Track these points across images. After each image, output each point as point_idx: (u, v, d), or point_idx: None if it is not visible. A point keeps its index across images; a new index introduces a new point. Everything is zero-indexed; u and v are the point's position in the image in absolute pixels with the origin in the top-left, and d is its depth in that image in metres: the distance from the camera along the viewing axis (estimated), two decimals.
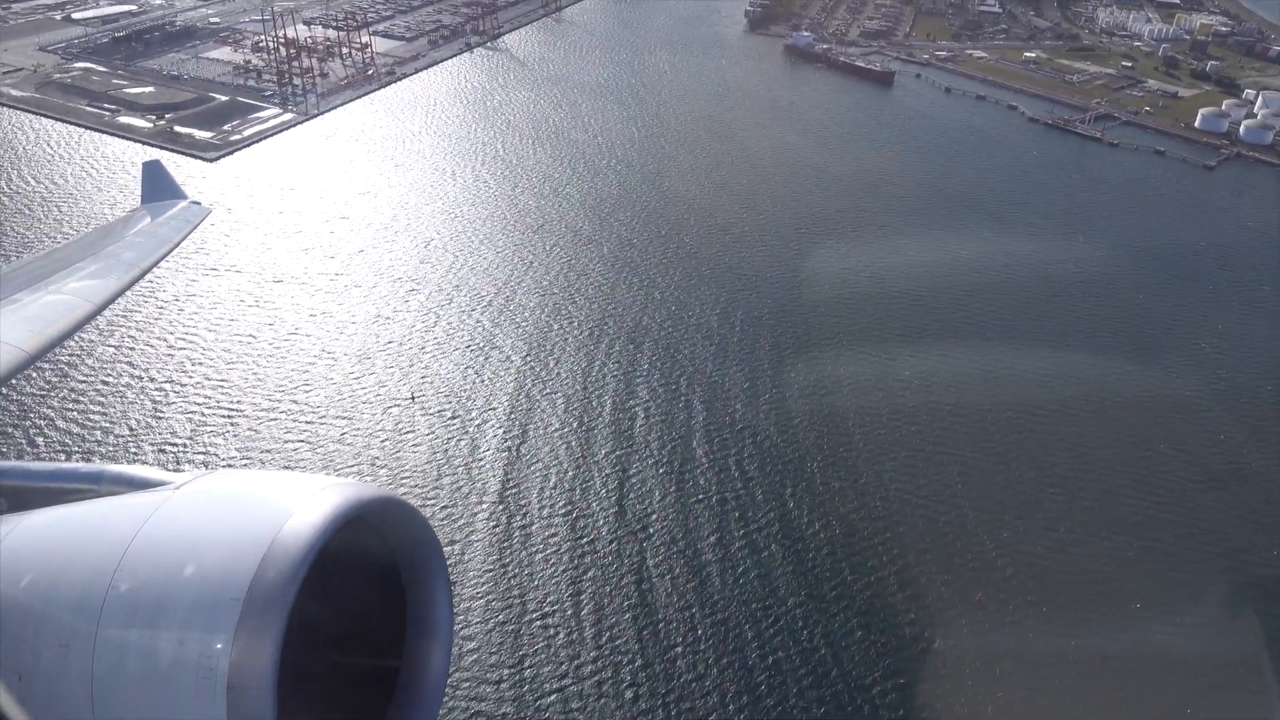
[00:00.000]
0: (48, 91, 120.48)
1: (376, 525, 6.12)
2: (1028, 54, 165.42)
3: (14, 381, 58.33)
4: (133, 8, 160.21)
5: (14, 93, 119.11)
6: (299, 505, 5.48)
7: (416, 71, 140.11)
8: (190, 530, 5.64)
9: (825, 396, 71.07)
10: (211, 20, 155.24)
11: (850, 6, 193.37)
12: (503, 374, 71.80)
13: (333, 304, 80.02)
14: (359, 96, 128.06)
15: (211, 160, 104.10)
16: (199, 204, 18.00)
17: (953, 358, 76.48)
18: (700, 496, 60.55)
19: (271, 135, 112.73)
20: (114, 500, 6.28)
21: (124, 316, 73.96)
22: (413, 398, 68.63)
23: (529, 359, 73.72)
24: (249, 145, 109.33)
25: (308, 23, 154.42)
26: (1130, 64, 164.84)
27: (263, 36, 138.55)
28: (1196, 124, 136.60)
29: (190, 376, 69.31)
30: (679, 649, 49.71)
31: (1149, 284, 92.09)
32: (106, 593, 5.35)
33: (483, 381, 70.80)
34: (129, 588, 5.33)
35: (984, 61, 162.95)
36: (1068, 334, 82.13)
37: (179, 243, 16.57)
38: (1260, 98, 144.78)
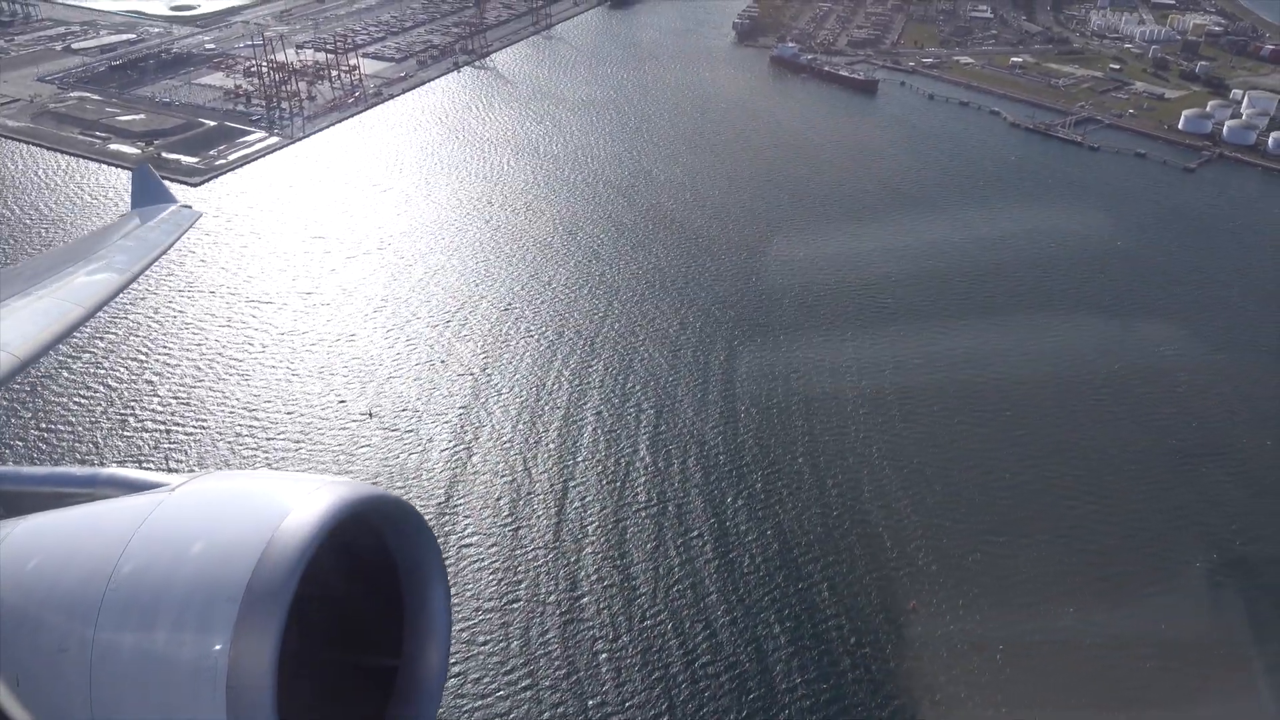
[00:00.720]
0: (42, 121, 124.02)
1: (373, 524, 6.12)
2: (1015, 59, 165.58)
3: None
4: (131, 36, 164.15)
5: (10, 123, 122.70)
6: (295, 504, 5.48)
7: (403, 92, 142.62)
8: (186, 531, 5.64)
9: (774, 403, 72.02)
10: (207, 47, 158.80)
11: (840, 16, 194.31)
12: (460, 388, 73.34)
13: (301, 323, 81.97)
14: (345, 119, 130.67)
15: (195, 185, 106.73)
16: (189, 208, 18.26)
17: (905, 369, 77.18)
18: (641, 504, 61.67)
19: (256, 159, 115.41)
20: (110, 503, 6.26)
21: (96, 337, 76.23)
22: (370, 414, 70.32)
23: (488, 371, 75.26)
24: (233, 169, 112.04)
25: (300, 47, 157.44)
26: (1118, 66, 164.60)
27: (253, 61, 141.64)
28: (1180, 126, 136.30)
29: (157, 395, 71.37)
30: (603, 656, 50.83)
31: (1115, 287, 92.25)
32: (104, 595, 5.33)
33: (439, 396, 72.38)
34: (126, 589, 5.33)
35: (970, 68, 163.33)
36: (1027, 337, 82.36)
37: (169, 246, 16.69)
38: (1246, 98, 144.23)
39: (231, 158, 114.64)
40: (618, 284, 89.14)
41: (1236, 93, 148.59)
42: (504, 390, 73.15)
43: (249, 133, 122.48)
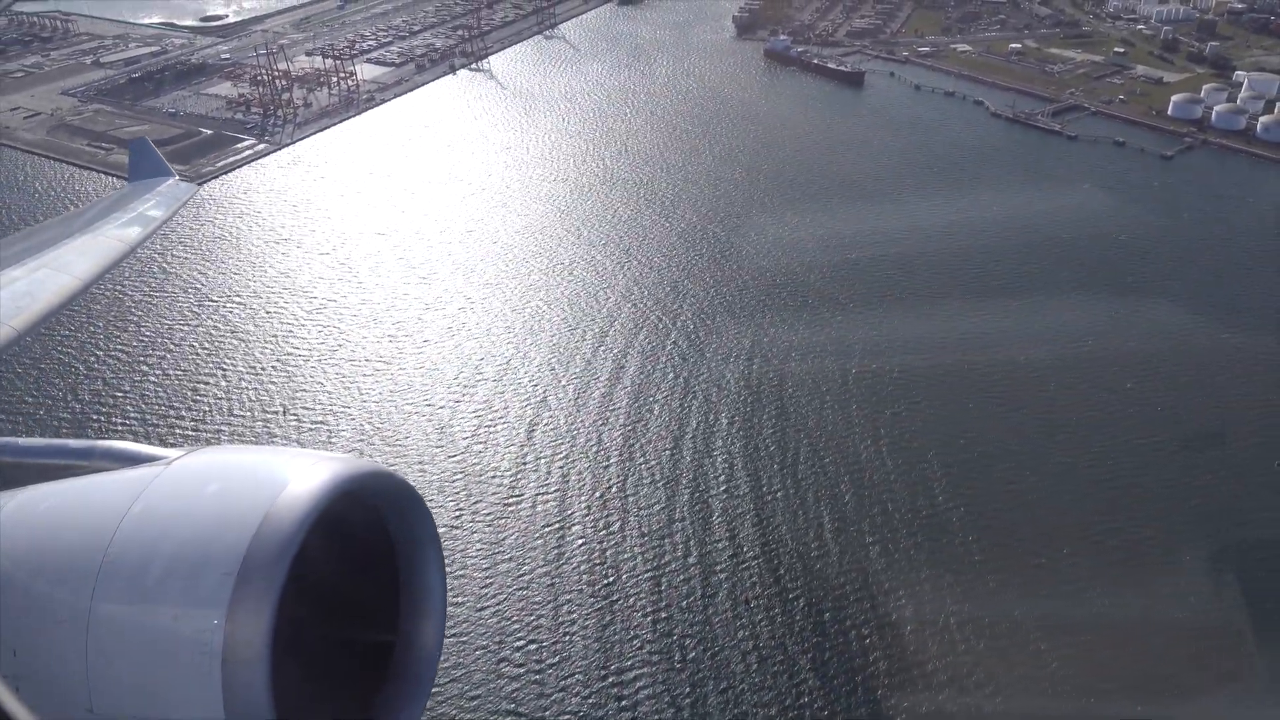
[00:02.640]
0: (57, 134, 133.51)
1: (370, 500, 6.13)
2: (1014, 45, 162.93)
3: None
4: (156, 49, 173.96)
5: (28, 136, 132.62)
6: (293, 479, 5.50)
7: (396, 97, 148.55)
8: (183, 505, 5.67)
9: (678, 412, 74.73)
10: (223, 57, 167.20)
11: (848, 6, 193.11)
12: (376, 387, 78.02)
13: (248, 322, 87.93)
14: (334, 124, 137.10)
15: None
16: (186, 182, 19.11)
17: (823, 375, 79.07)
18: (505, 493, 65.48)
19: (241, 165, 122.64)
20: (107, 476, 6.31)
21: (42, 340, 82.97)
22: (284, 410, 75.75)
23: (402, 367, 79.97)
24: (217, 175, 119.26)
25: (309, 54, 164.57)
26: (1122, 50, 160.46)
27: (258, 70, 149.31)
28: (1169, 111, 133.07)
29: (97, 393, 78.01)
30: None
31: (1043, 276, 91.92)
32: (100, 568, 5.34)
33: (353, 394, 77.38)
34: (123, 563, 5.34)
35: (967, 55, 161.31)
36: (940, 332, 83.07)
37: (166, 220, 16.98)
38: (1245, 81, 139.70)
39: (219, 164, 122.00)
40: (549, 281, 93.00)
41: (1240, 75, 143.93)
42: (412, 386, 77.78)
43: (241, 140, 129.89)
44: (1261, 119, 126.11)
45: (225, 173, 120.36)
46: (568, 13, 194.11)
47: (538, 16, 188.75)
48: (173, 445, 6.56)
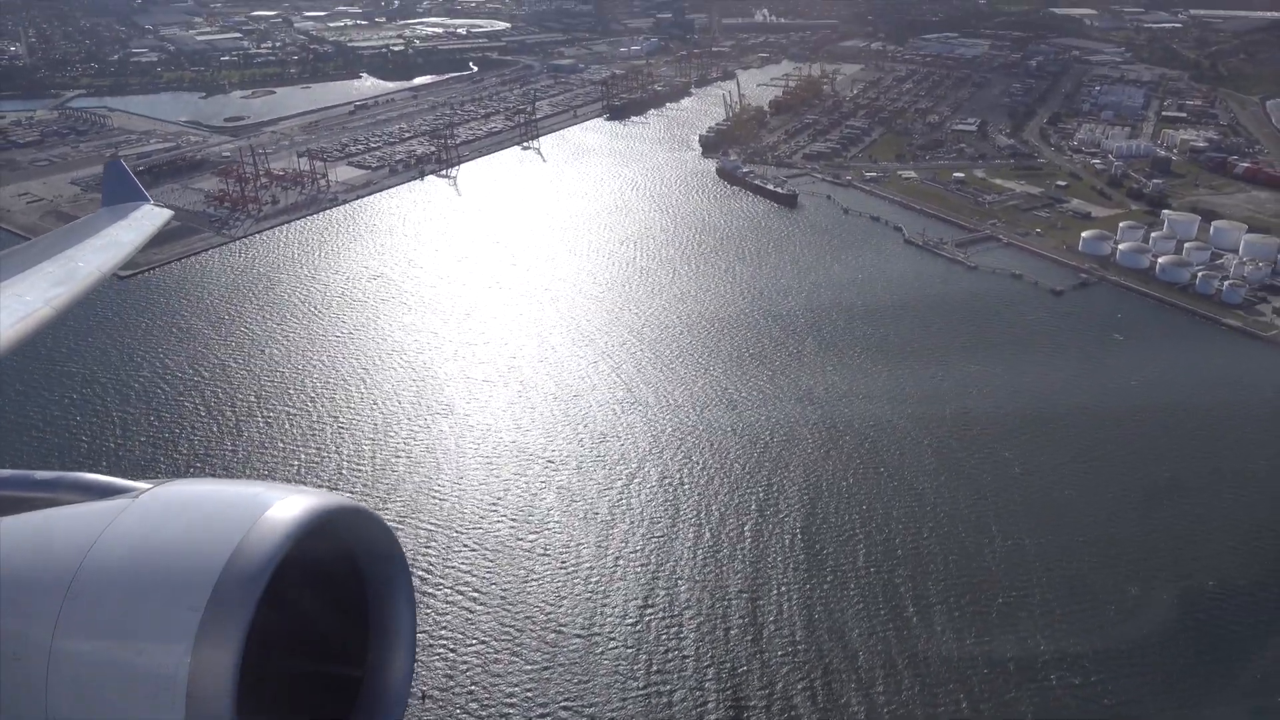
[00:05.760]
0: (48, 219, 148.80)
1: (340, 534, 6.13)
2: (956, 174, 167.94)
3: None
4: (171, 145, 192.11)
5: (22, 219, 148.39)
6: (262, 513, 5.52)
7: (359, 198, 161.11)
8: (150, 538, 5.64)
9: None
10: (224, 154, 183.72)
11: (816, 129, 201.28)
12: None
13: (147, 413, 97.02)
14: (292, 220, 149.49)
15: (125, 277, 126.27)
16: (160, 207, 19.20)
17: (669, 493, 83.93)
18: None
19: (189, 256, 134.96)
20: (72, 508, 6.26)
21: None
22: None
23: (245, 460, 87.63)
24: (164, 264, 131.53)
25: (300, 155, 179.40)
26: (1064, 184, 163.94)
27: (240, 168, 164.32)
28: (1080, 247, 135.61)
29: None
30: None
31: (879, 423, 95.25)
32: (63, 603, 5.33)
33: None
34: (86, 597, 5.32)
35: (910, 182, 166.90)
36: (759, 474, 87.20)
37: (140, 246, 17.13)
38: (1166, 220, 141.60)
39: (170, 254, 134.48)
40: (414, 391, 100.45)
41: (1165, 214, 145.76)
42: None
43: (199, 232, 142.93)
44: (1160, 259, 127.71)
45: (172, 261, 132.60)
46: (551, 126, 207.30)
47: (523, 129, 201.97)
48: (142, 478, 6.66)
